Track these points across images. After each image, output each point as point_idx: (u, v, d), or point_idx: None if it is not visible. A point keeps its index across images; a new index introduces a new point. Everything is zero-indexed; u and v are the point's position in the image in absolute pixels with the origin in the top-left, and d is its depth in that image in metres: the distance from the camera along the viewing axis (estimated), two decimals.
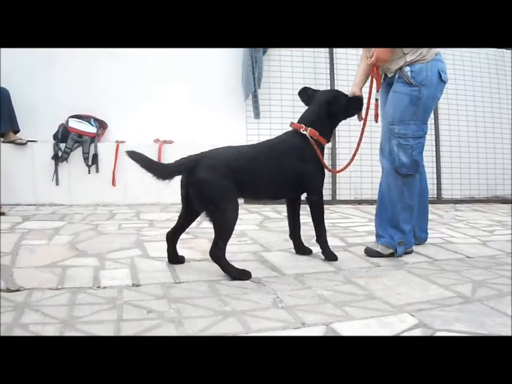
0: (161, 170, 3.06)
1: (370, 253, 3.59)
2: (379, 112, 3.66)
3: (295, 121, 3.47)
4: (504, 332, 2.21)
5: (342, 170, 3.88)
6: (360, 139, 3.71)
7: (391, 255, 3.55)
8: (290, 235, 3.63)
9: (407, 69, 3.36)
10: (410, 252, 3.67)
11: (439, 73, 3.41)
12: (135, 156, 2.99)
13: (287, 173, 3.29)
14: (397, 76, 3.44)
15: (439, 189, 6.79)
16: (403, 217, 3.55)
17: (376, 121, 3.63)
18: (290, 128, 3.47)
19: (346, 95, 3.60)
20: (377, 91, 3.57)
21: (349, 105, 3.56)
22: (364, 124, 3.68)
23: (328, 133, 3.51)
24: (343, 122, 6.03)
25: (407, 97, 3.39)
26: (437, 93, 3.48)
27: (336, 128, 6.30)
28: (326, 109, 3.44)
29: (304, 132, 3.35)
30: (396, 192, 3.52)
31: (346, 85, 3.72)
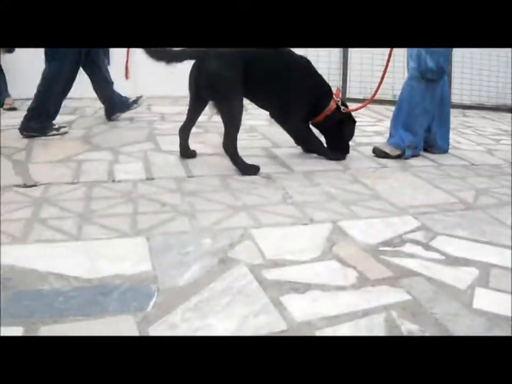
0: (171, 55, 3.12)
1: (378, 153, 3.65)
2: None
3: None
4: (501, 240, 2.30)
5: (362, 107, 3.78)
6: (385, 71, 3.66)
7: (398, 156, 3.61)
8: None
9: None
10: (417, 156, 3.72)
11: None
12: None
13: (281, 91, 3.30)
14: None
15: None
16: (419, 121, 3.62)
17: None
18: None
19: None
20: None
21: None
22: (389, 59, 3.63)
23: None
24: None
25: None
26: None
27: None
28: None
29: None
30: (418, 96, 3.57)
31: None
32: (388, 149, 3.63)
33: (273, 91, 3.27)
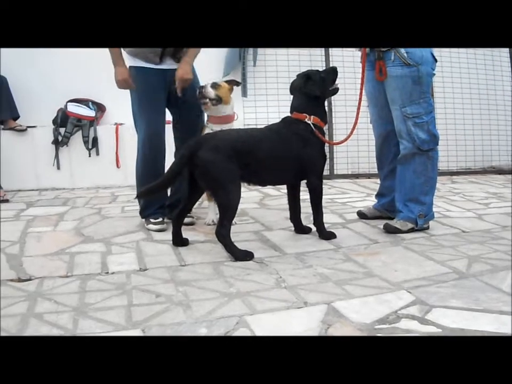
0: (169, 180, 3.26)
1: (389, 229, 3.65)
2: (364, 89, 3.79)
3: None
4: (497, 307, 2.31)
5: (341, 142, 3.95)
6: (358, 112, 3.78)
7: (411, 230, 3.65)
8: (290, 218, 3.70)
9: (402, 50, 3.43)
10: (427, 228, 3.75)
11: (431, 52, 3.54)
12: (146, 192, 3.37)
13: (292, 158, 3.36)
14: (392, 58, 3.50)
15: None
16: (425, 190, 3.67)
17: (384, 78, 3.64)
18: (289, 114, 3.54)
19: (318, 70, 3.66)
20: None
21: (325, 78, 3.57)
22: (360, 97, 3.75)
23: (323, 114, 3.57)
24: (339, 98, 6.04)
25: (409, 78, 3.49)
26: (431, 70, 3.58)
27: (333, 104, 6.41)
28: (305, 92, 3.50)
29: (309, 122, 3.44)
30: (420, 167, 3.63)
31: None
32: (398, 224, 3.65)
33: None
